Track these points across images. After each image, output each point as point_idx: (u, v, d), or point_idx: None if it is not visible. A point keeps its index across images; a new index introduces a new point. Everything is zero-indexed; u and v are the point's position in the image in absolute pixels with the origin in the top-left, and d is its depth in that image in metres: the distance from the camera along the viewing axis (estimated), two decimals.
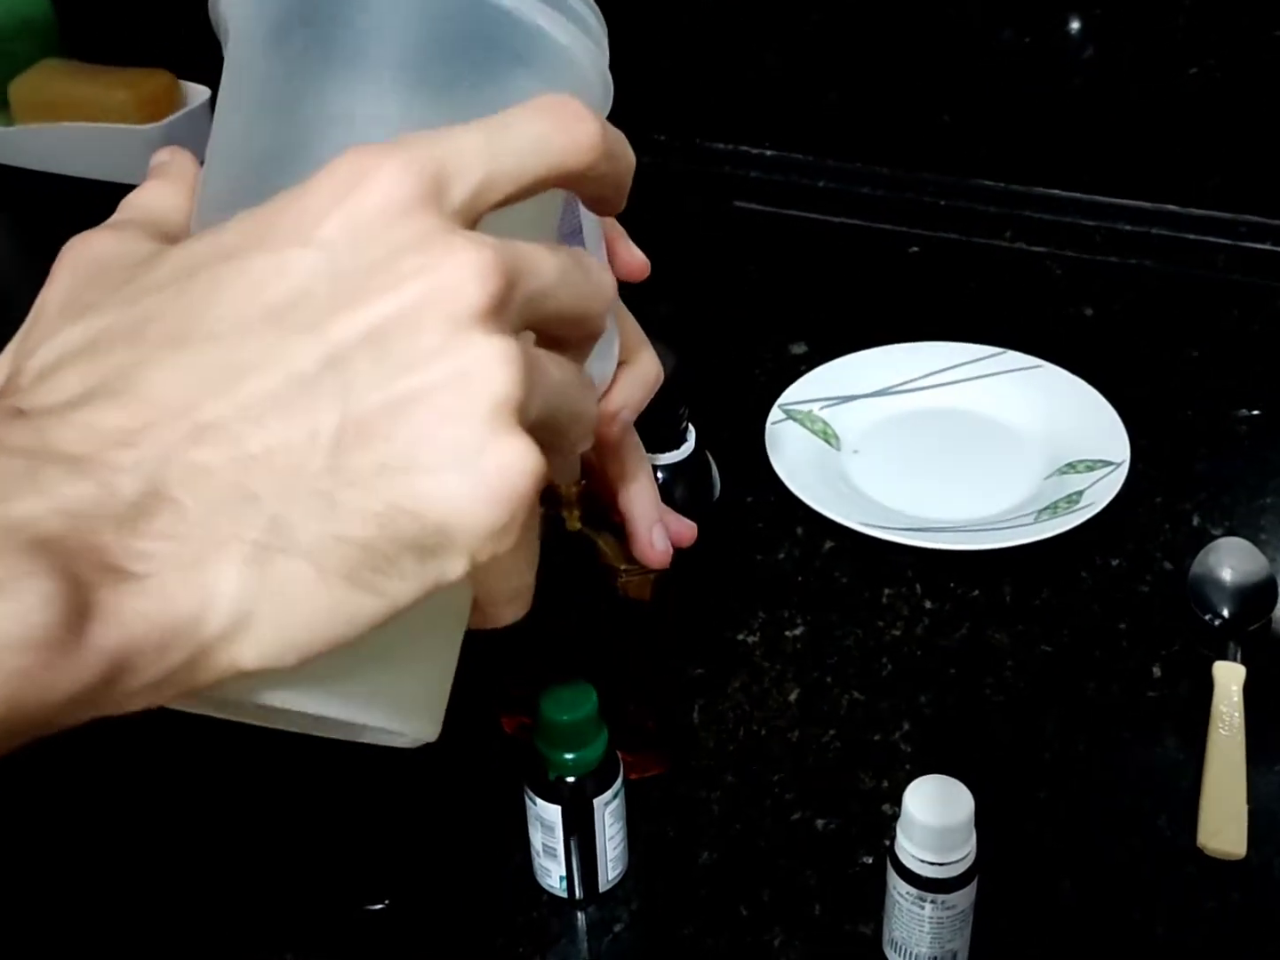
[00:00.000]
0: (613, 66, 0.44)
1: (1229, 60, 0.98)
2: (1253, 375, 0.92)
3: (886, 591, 0.77)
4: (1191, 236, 1.02)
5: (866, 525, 0.78)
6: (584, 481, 0.54)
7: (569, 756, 0.58)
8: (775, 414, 0.87)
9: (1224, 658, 0.71)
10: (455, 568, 0.30)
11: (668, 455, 0.70)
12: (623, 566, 0.60)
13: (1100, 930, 0.60)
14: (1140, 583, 0.77)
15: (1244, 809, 0.64)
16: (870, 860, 0.63)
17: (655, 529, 0.50)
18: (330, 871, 0.63)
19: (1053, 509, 0.80)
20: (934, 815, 0.54)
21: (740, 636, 0.74)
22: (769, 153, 1.11)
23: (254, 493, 0.28)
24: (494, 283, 0.29)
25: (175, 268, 0.31)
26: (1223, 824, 0.63)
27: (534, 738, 0.59)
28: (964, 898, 0.55)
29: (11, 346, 0.32)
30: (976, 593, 0.77)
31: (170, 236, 0.35)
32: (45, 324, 0.32)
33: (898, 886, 0.55)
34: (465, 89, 0.35)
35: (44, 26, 1.22)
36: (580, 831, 0.59)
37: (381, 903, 0.62)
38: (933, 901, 0.55)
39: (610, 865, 0.61)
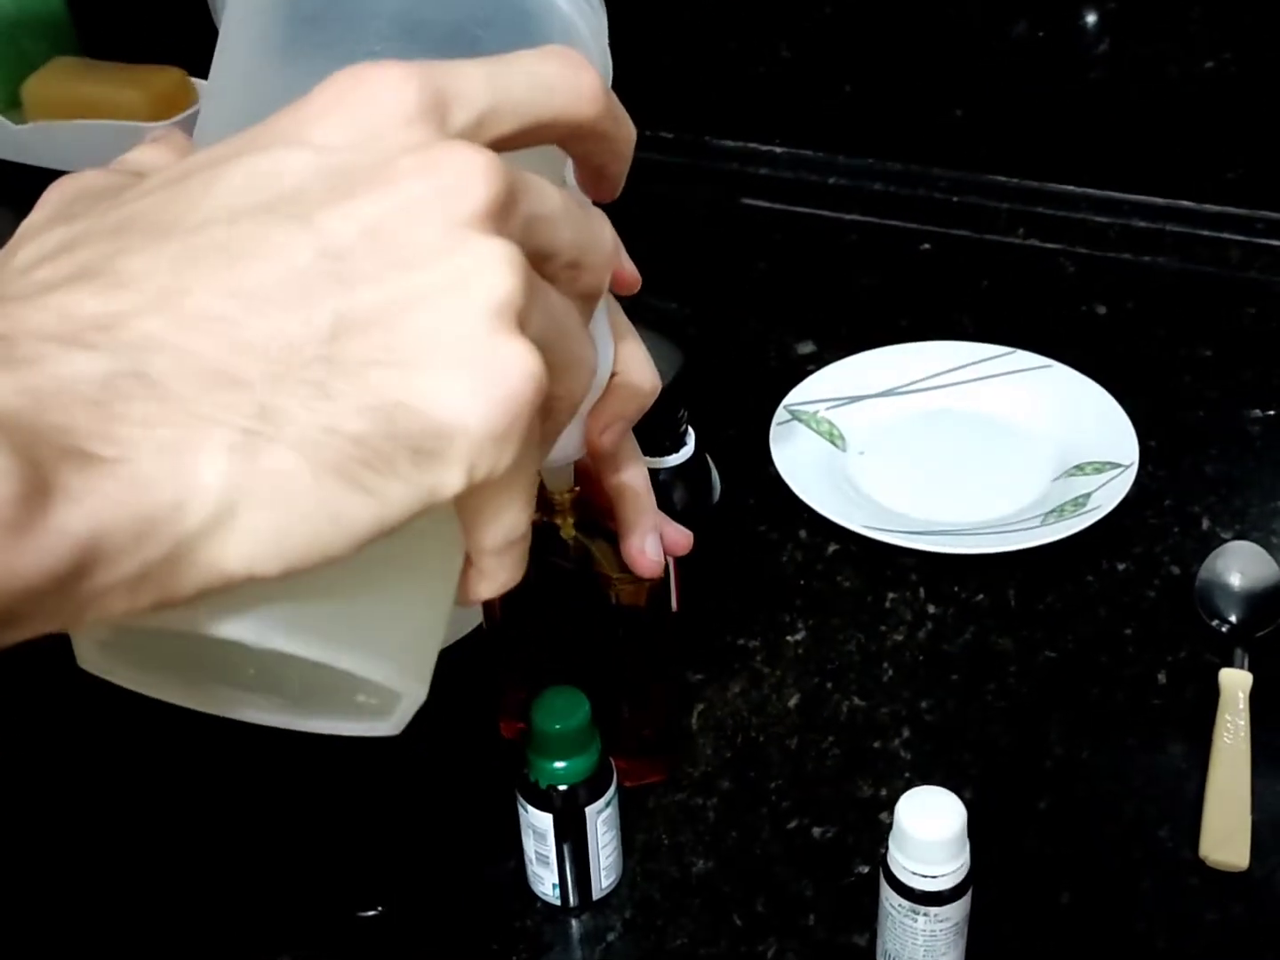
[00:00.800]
0: (619, 63, 0.44)
1: (1245, 54, 0.97)
2: (1267, 374, 0.91)
3: (890, 595, 0.76)
4: (1206, 233, 1.01)
5: (870, 528, 0.78)
6: (578, 488, 0.53)
7: (560, 765, 0.58)
8: (781, 415, 0.86)
9: (1231, 664, 0.70)
10: (451, 479, 0.29)
11: (667, 459, 0.70)
12: (616, 575, 0.59)
13: (1100, 941, 0.60)
14: (1148, 587, 0.76)
15: (1248, 820, 0.63)
16: (866, 870, 0.62)
17: (649, 538, 0.49)
18: (324, 877, 0.63)
19: (1059, 512, 0.79)
20: (926, 828, 0.53)
21: (741, 641, 0.74)
22: (778, 149, 1.10)
23: (244, 379, 0.27)
24: (496, 185, 0.29)
25: (165, 177, 0.30)
26: (1226, 835, 0.62)
27: (525, 746, 0.58)
28: (957, 910, 0.54)
29: None
30: (981, 597, 0.76)
31: None
32: (29, 235, 0.31)
33: (890, 899, 0.55)
34: (464, 50, 0.34)
35: (57, 24, 1.22)
36: (572, 840, 0.59)
37: (375, 909, 0.62)
38: (925, 914, 0.54)
39: (603, 873, 0.61)
